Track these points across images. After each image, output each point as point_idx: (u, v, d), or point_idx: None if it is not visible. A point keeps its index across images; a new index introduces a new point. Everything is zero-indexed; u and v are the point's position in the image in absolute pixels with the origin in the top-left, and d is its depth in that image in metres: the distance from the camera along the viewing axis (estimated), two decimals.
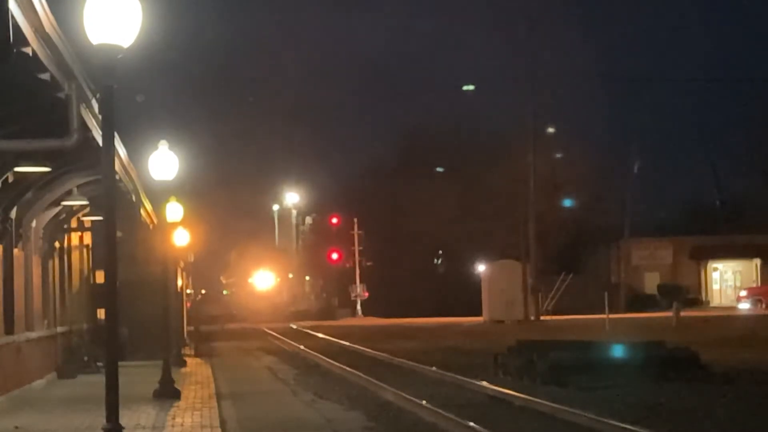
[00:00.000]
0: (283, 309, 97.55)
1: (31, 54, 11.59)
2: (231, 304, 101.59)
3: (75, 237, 29.30)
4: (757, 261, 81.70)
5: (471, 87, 71.68)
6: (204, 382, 25.29)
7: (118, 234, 12.72)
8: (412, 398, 19.78)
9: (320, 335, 53.06)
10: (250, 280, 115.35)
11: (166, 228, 24.81)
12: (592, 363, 23.80)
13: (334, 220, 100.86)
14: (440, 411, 17.50)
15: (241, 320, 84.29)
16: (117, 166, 17.29)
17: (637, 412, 17.65)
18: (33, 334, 22.82)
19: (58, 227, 25.59)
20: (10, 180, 19.10)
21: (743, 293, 74.28)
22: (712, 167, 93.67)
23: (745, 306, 70.91)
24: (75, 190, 21.57)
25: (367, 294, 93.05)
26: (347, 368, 28.51)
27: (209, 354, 38.88)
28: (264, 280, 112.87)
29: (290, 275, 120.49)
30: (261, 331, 65.38)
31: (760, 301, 71.48)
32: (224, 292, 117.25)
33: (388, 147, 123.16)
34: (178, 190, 24.94)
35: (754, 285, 78.08)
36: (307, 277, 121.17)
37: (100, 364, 26.08)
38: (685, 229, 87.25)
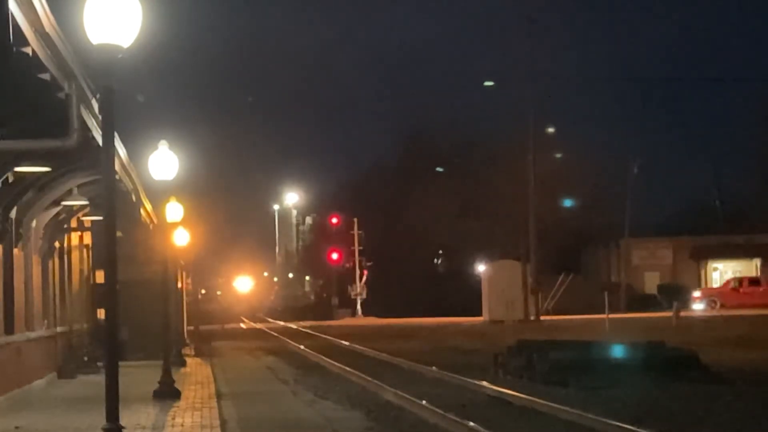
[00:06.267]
0: (258, 309, 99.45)
1: (31, 54, 11.58)
2: (222, 304, 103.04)
3: (75, 237, 29.27)
4: (757, 261, 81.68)
5: (491, 83, 71.55)
6: (204, 382, 25.28)
7: (118, 234, 12.72)
8: (412, 398, 19.77)
9: (320, 335, 53.07)
10: (233, 284, 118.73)
11: (166, 228, 24.82)
12: (593, 363, 23.80)
13: (334, 220, 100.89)
14: (440, 411, 17.49)
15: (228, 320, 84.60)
16: (117, 166, 17.28)
17: (637, 412, 17.64)
18: (33, 334, 22.80)
19: (58, 227, 25.55)
20: (10, 180, 19.08)
21: (697, 294, 73.87)
22: (713, 167, 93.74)
23: (699, 306, 70.36)
24: (75, 190, 21.55)
25: (366, 293, 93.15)
26: (347, 368, 28.51)
27: (209, 354, 38.87)
28: (242, 284, 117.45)
29: (290, 275, 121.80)
30: (261, 331, 65.46)
31: (714, 302, 71.13)
32: (218, 293, 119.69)
33: (388, 147, 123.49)
34: (178, 190, 24.93)
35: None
36: (308, 277, 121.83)
37: (100, 364, 26.07)
38: (685, 229, 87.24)
